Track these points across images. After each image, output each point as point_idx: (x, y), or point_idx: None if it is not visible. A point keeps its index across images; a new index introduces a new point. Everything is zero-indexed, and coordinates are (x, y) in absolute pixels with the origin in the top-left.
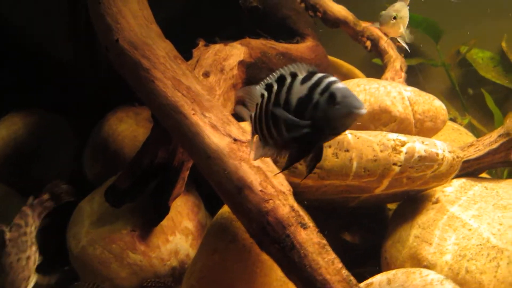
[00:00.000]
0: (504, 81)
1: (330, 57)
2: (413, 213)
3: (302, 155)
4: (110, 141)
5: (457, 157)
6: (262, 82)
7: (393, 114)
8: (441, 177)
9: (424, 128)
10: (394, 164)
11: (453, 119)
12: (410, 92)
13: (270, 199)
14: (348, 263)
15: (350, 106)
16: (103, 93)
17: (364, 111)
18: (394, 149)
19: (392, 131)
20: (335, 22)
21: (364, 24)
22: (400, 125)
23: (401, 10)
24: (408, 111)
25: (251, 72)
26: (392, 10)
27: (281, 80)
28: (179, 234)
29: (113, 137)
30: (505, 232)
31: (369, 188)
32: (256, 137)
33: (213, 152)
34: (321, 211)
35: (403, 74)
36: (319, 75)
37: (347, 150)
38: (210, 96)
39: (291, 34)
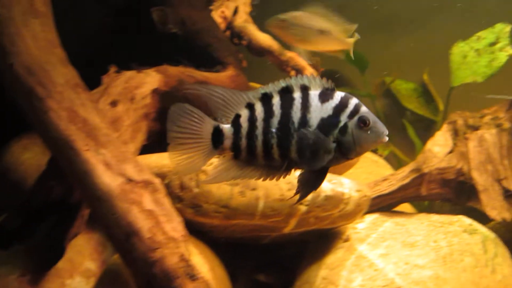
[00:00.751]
0: (426, 111)
1: (257, 86)
2: (322, 252)
3: (321, 181)
4: (11, 170)
5: (364, 196)
6: (254, 91)
7: None
8: (348, 217)
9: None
10: (301, 203)
11: (373, 151)
12: None
13: (158, 248)
14: None
15: (380, 133)
16: (5, 118)
17: (387, 137)
18: None
19: None
20: (260, 51)
21: (289, 54)
22: None
23: (301, 18)
24: None
25: (167, 101)
26: (290, 15)
27: (284, 92)
28: (78, 277)
29: (15, 166)
30: (410, 271)
31: (277, 227)
32: (226, 155)
33: (103, 194)
34: (237, 251)
35: None
36: (340, 94)
37: (254, 189)
38: (110, 129)
39: (212, 63)
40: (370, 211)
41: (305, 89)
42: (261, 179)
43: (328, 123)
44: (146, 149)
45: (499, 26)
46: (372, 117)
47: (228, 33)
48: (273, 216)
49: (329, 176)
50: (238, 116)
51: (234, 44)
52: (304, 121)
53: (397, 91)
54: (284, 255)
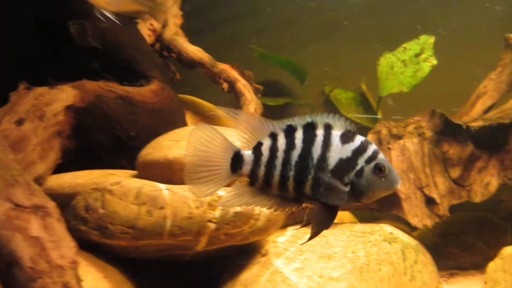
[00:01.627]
0: (364, 120)
1: (197, 99)
2: (240, 268)
3: (331, 219)
4: None
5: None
6: (280, 122)
7: None
8: (260, 232)
9: None
10: (209, 221)
11: None
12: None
13: (39, 278)
14: None
15: (394, 181)
16: None
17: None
18: (210, 205)
19: None
20: (191, 63)
21: (221, 66)
22: None
23: None
24: None
25: (83, 118)
26: None
27: (308, 127)
28: None
29: None
30: (323, 285)
31: (189, 246)
32: (243, 181)
33: None
34: (162, 270)
35: None
36: (361, 138)
37: (162, 208)
38: (5, 151)
39: (136, 76)
40: (296, 222)
41: (328, 128)
42: (273, 209)
43: (346, 165)
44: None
45: (423, 38)
46: (388, 165)
47: (157, 46)
48: (182, 235)
49: None
50: (260, 144)
51: (163, 57)
52: (323, 159)
53: (337, 100)
54: (212, 271)
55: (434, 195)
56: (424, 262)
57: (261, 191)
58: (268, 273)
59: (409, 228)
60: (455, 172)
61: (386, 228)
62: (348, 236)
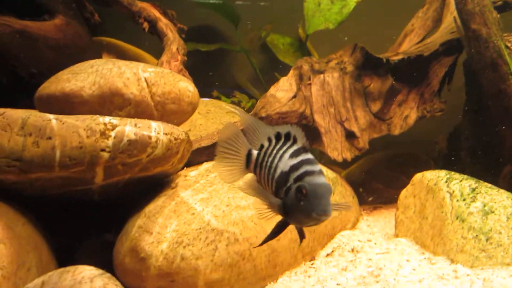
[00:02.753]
0: None
1: (119, 42)
2: (147, 201)
3: (275, 232)
4: None
5: (175, 139)
6: (274, 129)
7: (126, 97)
8: (160, 162)
9: (167, 111)
10: (103, 150)
11: (236, 103)
12: (149, 73)
13: None
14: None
15: (312, 209)
16: None
17: (326, 218)
18: (103, 133)
19: (129, 115)
20: (106, 1)
21: (141, 4)
22: (137, 108)
23: None
24: (144, 93)
25: None
26: None
27: (286, 137)
28: None
29: None
30: (229, 213)
31: (86, 178)
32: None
33: None
34: (81, 212)
35: (179, 57)
36: (306, 156)
37: (50, 138)
38: None
39: (39, 11)
40: (210, 158)
41: (295, 141)
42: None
43: (282, 179)
44: None
45: None
46: (312, 190)
47: None
48: (74, 166)
49: (136, 120)
50: (262, 147)
51: None
52: (275, 168)
53: (274, 45)
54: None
55: (355, 129)
56: (342, 194)
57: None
58: (173, 204)
59: (341, 168)
60: (376, 106)
61: None
62: None
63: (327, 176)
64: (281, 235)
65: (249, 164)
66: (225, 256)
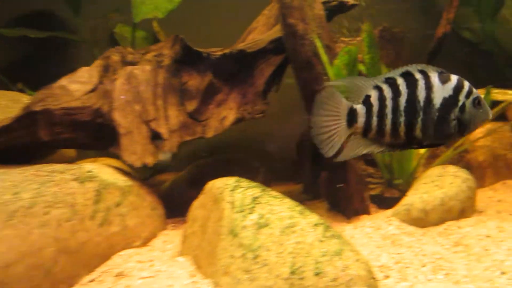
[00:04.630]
0: None
1: None
2: None
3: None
4: None
5: None
6: (378, 77)
7: None
8: None
9: None
10: None
11: (22, 90)
12: None
13: None
14: None
15: (488, 112)
16: None
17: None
18: None
19: None
20: None
21: None
22: None
23: None
24: None
25: None
26: None
27: (406, 75)
28: None
29: None
30: None
31: None
32: (356, 133)
33: None
34: None
35: None
36: (455, 76)
37: None
38: None
39: None
40: None
41: (424, 72)
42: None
43: (450, 102)
44: None
45: None
46: (482, 99)
47: None
48: None
49: None
50: (368, 97)
51: None
52: (429, 100)
53: (124, 38)
54: None
55: (162, 130)
56: (134, 205)
57: (373, 141)
58: None
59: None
60: (192, 105)
61: (87, 167)
62: (27, 175)
63: (113, 184)
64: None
65: (354, 121)
66: None
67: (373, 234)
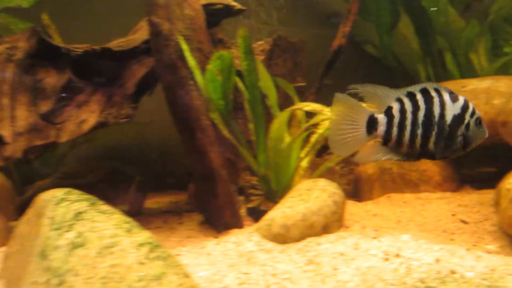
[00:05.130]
0: None
1: None
2: None
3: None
4: None
5: None
6: (400, 90)
7: None
8: None
9: None
10: None
11: None
12: None
13: None
14: None
15: (485, 131)
16: None
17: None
18: None
19: None
20: None
21: None
22: None
23: None
24: None
25: None
26: None
27: (424, 92)
28: None
29: None
30: None
31: None
32: (377, 140)
33: None
34: None
35: None
36: (461, 96)
37: None
38: None
39: None
40: None
41: (438, 91)
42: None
43: (458, 120)
44: None
45: None
46: (482, 118)
47: None
48: None
49: None
50: (390, 108)
51: None
52: (442, 116)
53: (9, 31)
54: None
55: (5, 133)
56: None
57: (391, 150)
58: None
59: None
60: (47, 106)
61: None
62: None
63: None
64: None
65: (373, 129)
66: None
67: (231, 251)
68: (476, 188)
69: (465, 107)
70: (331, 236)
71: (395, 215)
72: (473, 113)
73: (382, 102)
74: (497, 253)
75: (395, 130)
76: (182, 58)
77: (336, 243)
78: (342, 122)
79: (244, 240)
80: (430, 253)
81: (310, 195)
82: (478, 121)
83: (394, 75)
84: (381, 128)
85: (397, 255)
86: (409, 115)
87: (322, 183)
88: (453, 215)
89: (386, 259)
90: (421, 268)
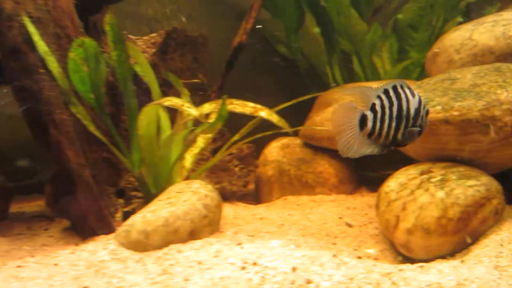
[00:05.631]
0: None
1: None
2: None
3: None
4: None
5: None
6: (378, 87)
7: None
8: None
9: None
10: None
11: None
12: None
13: None
14: None
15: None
16: None
17: None
18: None
19: None
20: None
21: None
22: None
23: None
24: None
25: None
26: None
27: (394, 88)
28: None
29: None
30: None
31: None
32: (363, 134)
33: None
34: None
35: None
36: (416, 92)
37: None
38: None
39: None
40: None
41: (401, 87)
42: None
43: (417, 112)
44: None
45: None
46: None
47: None
48: None
49: None
50: (374, 104)
51: None
52: (408, 109)
53: None
54: None
55: None
56: None
57: (373, 142)
58: None
59: None
60: None
61: None
62: None
63: None
64: None
65: (364, 125)
66: None
67: (83, 261)
68: (373, 190)
69: (420, 101)
70: (197, 243)
71: (282, 218)
72: (424, 106)
73: (370, 100)
74: (376, 258)
75: (378, 124)
76: (29, 42)
77: (200, 250)
78: (342, 126)
79: (99, 248)
80: (290, 260)
81: (179, 198)
82: (426, 113)
83: (308, 75)
84: (370, 124)
85: (255, 263)
86: (387, 110)
87: (196, 185)
88: (340, 218)
89: (243, 268)
90: (276, 277)
